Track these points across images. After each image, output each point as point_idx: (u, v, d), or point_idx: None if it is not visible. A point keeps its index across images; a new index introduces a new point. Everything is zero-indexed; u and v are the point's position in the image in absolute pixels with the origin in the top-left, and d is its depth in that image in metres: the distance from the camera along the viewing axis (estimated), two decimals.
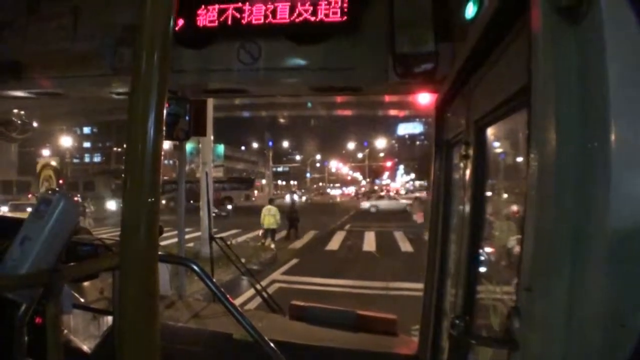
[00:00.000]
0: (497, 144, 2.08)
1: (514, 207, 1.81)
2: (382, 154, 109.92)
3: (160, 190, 1.22)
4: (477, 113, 1.99)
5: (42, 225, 1.93)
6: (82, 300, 3.20)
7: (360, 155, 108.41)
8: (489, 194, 2.06)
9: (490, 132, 1.97)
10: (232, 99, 36.99)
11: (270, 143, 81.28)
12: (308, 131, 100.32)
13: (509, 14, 1.46)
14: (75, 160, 65.32)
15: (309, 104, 41.57)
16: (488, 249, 2.09)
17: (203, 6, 3.39)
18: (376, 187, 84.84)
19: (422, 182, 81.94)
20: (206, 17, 3.40)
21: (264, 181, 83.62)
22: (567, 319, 0.99)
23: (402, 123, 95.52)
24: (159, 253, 2.72)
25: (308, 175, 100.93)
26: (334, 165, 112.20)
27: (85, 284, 3.28)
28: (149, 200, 1.20)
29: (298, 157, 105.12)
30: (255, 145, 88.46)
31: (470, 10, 2.17)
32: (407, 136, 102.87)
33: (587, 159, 1.00)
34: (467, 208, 2.10)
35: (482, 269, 2.08)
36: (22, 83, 3.87)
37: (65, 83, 3.89)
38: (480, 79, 1.99)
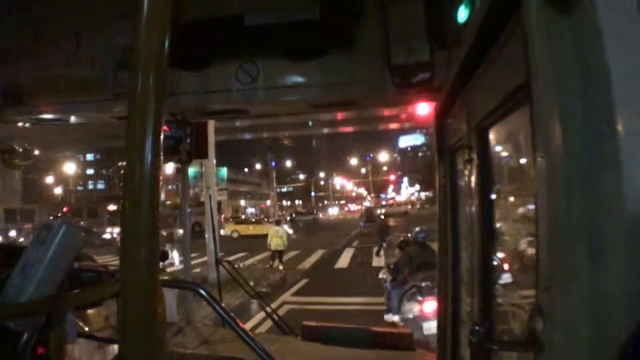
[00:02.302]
0: (500, 146, 2.05)
1: (522, 208, 1.78)
2: (385, 168, 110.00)
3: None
4: (478, 116, 1.96)
5: (43, 252, 1.91)
6: (86, 328, 3.15)
7: (363, 170, 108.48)
8: (495, 196, 2.02)
9: (492, 134, 1.93)
10: (233, 121, 37.16)
11: (273, 164, 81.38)
12: (310, 150, 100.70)
13: (501, 12, 1.43)
14: (79, 188, 65.53)
15: (310, 123, 41.69)
16: (500, 253, 2.04)
17: (199, 27, 3.38)
18: (383, 202, 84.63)
19: (427, 193, 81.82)
20: (203, 38, 3.39)
21: (268, 202, 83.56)
22: (590, 316, 0.95)
23: (403, 136, 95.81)
24: (165, 278, 2.69)
25: (312, 194, 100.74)
26: (338, 182, 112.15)
27: (90, 311, 3.24)
28: (148, 225, 1.18)
29: (302, 176, 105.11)
30: (258, 166, 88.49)
31: (462, 14, 2.15)
32: (409, 148, 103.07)
33: (596, 150, 0.96)
34: (476, 212, 2.06)
35: (497, 273, 2.04)
36: (23, 109, 3.85)
37: (66, 108, 3.87)
38: (478, 81, 1.96)
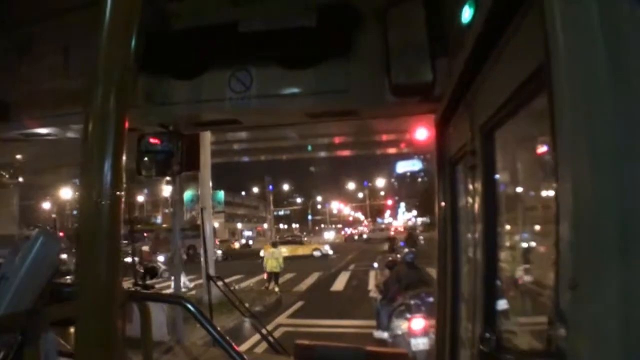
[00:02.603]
0: (507, 147, 1.94)
1: (531, 212, 1.68)
2: (382, 193, 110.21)
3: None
4: (483, 117, 1.86)
5: (19, 263, 1.80)
6: (68, 347, 3.00)
7: (360, 195, 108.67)
8: (502, 201, 1.91)
9: (498, 136, 1.83)
10: (230, 144, 37.24)
11: (271, 187, 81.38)
12: (308, 174, 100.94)
13: (507, 5, 1.36)
14: (75, 212, 65.48)
15: (309, 148, 41.76)
16: (509, 260, 1.92)
17: (191, 34, 3.31)
18: (383, 226, 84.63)
19: (424, 219, 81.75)
20: (196, 45, 3.31)
21: (265, 225, 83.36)
22: (621, 320, 0.82)
23: (401, 161, 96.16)
24: (151, 292, 2.56)
25: (309, 217, 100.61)
26: (335, 206, 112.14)
27: (73, 329, 3.09)
28: (106, 245, 1.12)
29: (299, 200, 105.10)
30: (255, 190, 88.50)
31: (467, 14, 2.07)
32: (408, 174, 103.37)
33: (627, 135, 0.86)
34: (481, 219, 1.94)
35: (505, 285, 1.91)
36: (10, 125, 3.76)
37: (55, 122, 3.78)
38: (484, 80, 1.87)
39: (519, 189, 2.08)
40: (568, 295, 0.92)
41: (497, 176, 1.89)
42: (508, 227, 1.98)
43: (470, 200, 2.18)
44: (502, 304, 1.88)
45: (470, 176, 2.12)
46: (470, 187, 2.17)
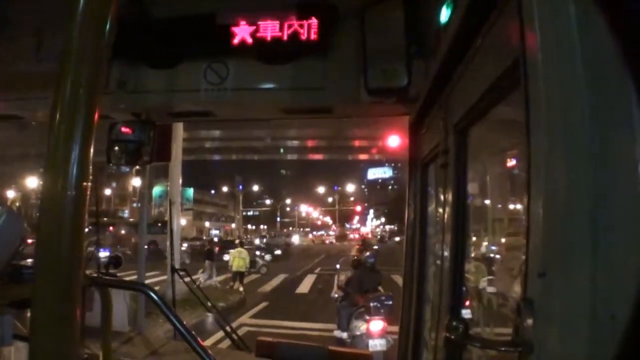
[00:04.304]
0: (479, 146, 1.97)
1: (501, 210, 1.70)
2: (352, 198, 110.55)
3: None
4: (457, 116, 1.88)
5: None
6: (25, 331, 2.92)
7: (330, 199, 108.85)
8: (473, 198, 1.93)
9: (472, 132, 1.85)
10: (202, 141, 36.93)
11: (241, 187, 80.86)
12: (279, 176, 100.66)
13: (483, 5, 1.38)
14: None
15: (282, 150, 41.67)
16: (479, 252, 1.95)
17: (169, 23, 3.26)
18: (347, 232, 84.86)
19: (391, 227, 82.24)
20: (172, 35, 3.27)
21: (233, 225, 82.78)
22: (589, 309, 0.82)
23: (372, 168, 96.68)
24: (113, 279, 2.50)
25: (278, 219, 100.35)
26: (304, 209, 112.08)
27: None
28: (69, 241, 1.08)
29: (268, 202, 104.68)
30: (225, 189, 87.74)
31: (444, 15, 2.10)
32: (380, 180, 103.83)
33: (599, 130, 0.87)
34: (450, 216, 1.96)
35: (473, 281, 1.93)
36: None
37: (26, 105, 3.69)
38: (459, 79, 1.89)
39: (490, 186, 2.11)
40: (537, 283, 0.93)
41: (468, 173, 1.92)
42: (477, 223, 2.00)
43: (440, 197, 2.20)
44: (470, 294, 1.90)
45: (441, 175, 2.14)
46: (441, 185, 2.19)
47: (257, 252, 25.00)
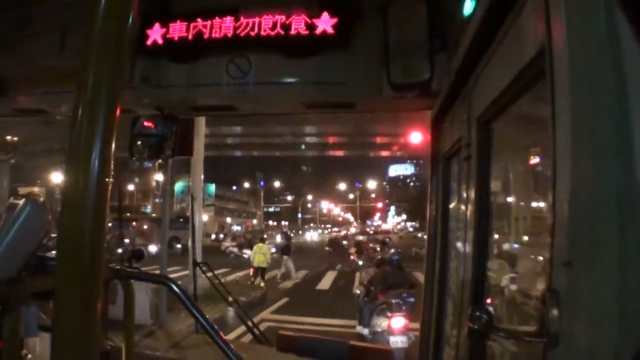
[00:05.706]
0: (502, 140, 1.94)
1: (528, 201, 1.67)
2: (373, 195, 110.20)
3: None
4: (479, 109, 1.86)
5: (4, 233, 1.76)
6: (49, 322, 2.97)
7: (351, 196, 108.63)
8: (495, 193, 1.91)
9: (495, 126, 1.83)
10: (224, 137, 37.09)
11: (262, 183, 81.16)
12: (300, 172, 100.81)
13: None
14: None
15: (303, 146, 41.61)
16: (502, 248, 1.92)
17: (191, 18, 3.28)
18: (368, 229, 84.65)
19: (413, 224, 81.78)
20: (194, 29, 3.29)
21: (254, 221, 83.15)
22: (619, 300, 0.80)
23: (394, 164, 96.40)
24: (134, 270, 2.52)
25: (299, 215, 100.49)
26: (325, 206, 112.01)
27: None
28: (90, 235, 1.08)
29: (290, 198, 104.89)
30: (246, 185, 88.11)
31: (467, 7, 2.07)
32: (401, 177, 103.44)
33: (623, 120, 0.85)
34: (473, 208, 1.93)
35: (495, 277, 1.90)
36: (6, 100, 3.73)
37: (50, 99, 3.75)
38: (482, 70, 1.87)
39: (514, 180, 2.08)
40: (562, 273, 0.90)
41: (492, 167, 1.89)
42: (501, 216, 1.97)
43: (463, 190, 2.17)
44: (494, 284, 1.87)
45: (464, 167, 2.12)
46: (464, 178, 2.16)
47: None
